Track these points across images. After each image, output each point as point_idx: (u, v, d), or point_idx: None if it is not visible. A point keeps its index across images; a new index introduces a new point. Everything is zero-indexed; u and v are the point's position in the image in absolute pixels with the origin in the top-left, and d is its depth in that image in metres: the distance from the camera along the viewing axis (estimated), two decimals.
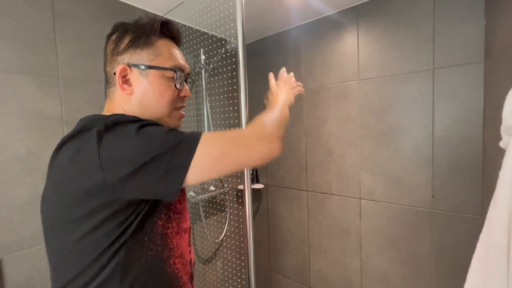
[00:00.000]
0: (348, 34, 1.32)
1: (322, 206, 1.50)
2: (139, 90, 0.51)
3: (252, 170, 1.75)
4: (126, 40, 0.51)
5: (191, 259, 0.58)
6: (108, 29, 0.54)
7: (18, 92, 0.88)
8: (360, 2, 1.26)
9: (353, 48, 1.31)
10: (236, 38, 0.76)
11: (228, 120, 1.62)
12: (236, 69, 0.77)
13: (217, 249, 1.67)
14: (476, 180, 1.03)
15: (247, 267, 0.82)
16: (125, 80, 0.51)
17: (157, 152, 0.41)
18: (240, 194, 1.80)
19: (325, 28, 1.40)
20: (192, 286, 0.59)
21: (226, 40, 1.58)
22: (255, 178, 1.77)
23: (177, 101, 0.56)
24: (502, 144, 0.52)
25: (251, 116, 0.77)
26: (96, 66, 1.06)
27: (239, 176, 1.71)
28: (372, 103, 1.27)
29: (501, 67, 0.83)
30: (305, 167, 1.55)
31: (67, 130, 0.99)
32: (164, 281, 0.50)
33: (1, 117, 0.85)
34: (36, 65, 0.92)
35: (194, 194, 1.46)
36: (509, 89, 0.48)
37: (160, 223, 0.49)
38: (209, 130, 1.49)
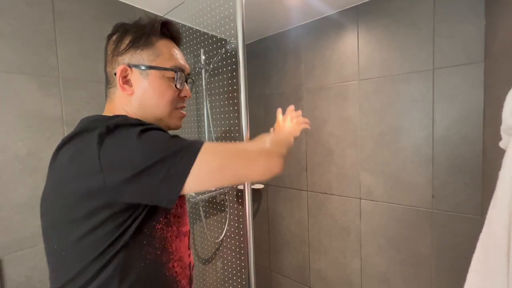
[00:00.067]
0: (348, 34, 1.32)
1: (322, 206, 1.50)
2: (139, 91, 0.52)
3: None
4: (127, 41, 0.51)
5: (190, 262, 0.58)
6: (108, 29, 0.54)
7: (19, 92, 0.88)
8: (360, 2, 1.26)
9: (353, 48, 1.31)
10: (236, 38, 0.76)
11: (228, 120, 1.62)
12: (236, 69, 0.77)
13: (217, 249, 1.67)
14: (476, 180, 1.03)
15: (247, 267, 0.82)
16: (126, 81, 0.51)
17: (157, 158, 0.40)
18: (240, 194, 1.80)
19: (325, 28, 1.40)
20: None
21: (226, 40, 1.58)
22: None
23: (178, 101, 0.56)
24: (502, 144, 0.52)
25: (250, 115, 0.77)
26: (96, 66, 1.06)
27: None
28: (372, 103, 1.27)
29: (501, 67, 0.83)
30: (305, 167, 1.55)
31: (67, 130, 0.99)
32: (162, 285, 0.50)
33: (2, 117, 0.85)
34: (36, 65, 0.92)
35: (194, 194, 1.46)
36: (509, 90, 0.48)
37: (159, 227, 0.49)
38: (209, 130, 1.50)
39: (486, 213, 0.51)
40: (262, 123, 1.77)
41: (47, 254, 0.47)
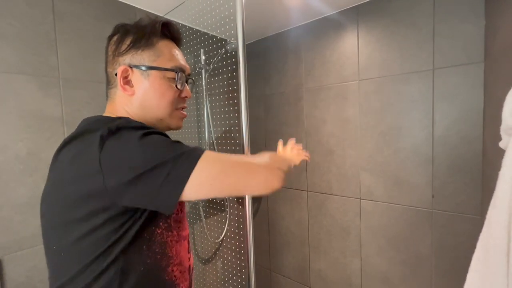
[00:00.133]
0: (348, 34, 1.32)
1: (322, 206, 1.50)
2: (140, 91, 0.52)
3: None
4: (128, 41, 0.51)
5: (190, 265, 0.58)
6: (108, 30, 0.55)
7: (19, 93, 0.88)
8: (360, 2, 1.26)
9: (353, 48, 1.31)
10: (236, 38, 0.76)
11: (228, 120, 1.62)
12: (236, 69, 0.78)
13: (217, 249, 1.67)
14: (476, 180, 1.03)
15: (247, 267, 0.82)
16: (127, 81, 0.52)
17: (157, 162, 0.40)
18: None
19: (325, 28, 1.40)
20: None
21: (226, 40, 1.58)
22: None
23: (178, 102, 0.56)
24: (501, 144, 0.52)
25: (250, 115, 0.77)
26: (96, 67, 1.07)
27: None
28: (372, 103, 1.27)
29: (501, 67, 0.83)
30: (305, 167, 1.55)
31: (67, 131, 0.99)
32: None
33: (2, 117, 0.85)
34: (36, 66, 0.92)
35: None
36: (509, 90, 0.48)
37: (159, 232, 0.48)
38: (209, 130, 1.50)
39: (486, 213, 0.51)
40: (262, 123, 1.77)
41: (47, 254, 0.47)
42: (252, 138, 0.80)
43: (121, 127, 0.43)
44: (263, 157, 0.52)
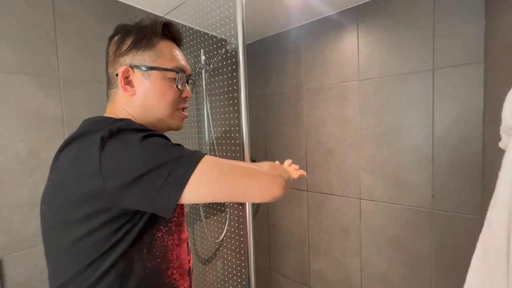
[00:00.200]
0: (348, 35, 1.32)
1: (322, 206, 1.50)
2: (141, 91, 0.52)
3: None
4: (128, 42, 0.52)
5: (190, 267, 0.58)
6: (108, 30, 0.55)
7: (19, 93, 0.88)
8: (360, 2, 1.26)
9: (353, 48, 1.31)
10: (236, 38, 0.76)
11: (228, 120, 1.62)
12: (236, 70, 0.78)
13: (217, 249, 1.67)
14: (476, 180, 1.03)
15: (247, 267, 0.82)
16: (127, 81, 0.52)
17: (157, 164, 0.40)
18: None
19: (325, 28, 1.40)
20: None
21: (226, 40, 1.58)
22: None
23: (179, 102, 0.56)
24: (501, 144, 0.52)
25: (250, 115, 0.77)
26: (97, 67, 1.07)
27: None
28: (372, 103, 1.27)
29: (501, 68, 0.83)
30: (305, 167, 1.55)
31: (67, 131, 0.99)
32: None
33: (2, 117, 0.85)
34: (37, 66, 0.92)
35: None
36: (509, 90, 0.48)
37: (160, 235, 0.48)
38: (209, 130, 1.50)
39: (486, 213, 0.51)
40: (262, 123, 1.77)
41: (46, 255, 0.47)
42: (252, 138, 0.80)
43: (122, 129, 0.43)
44: (264, 165, 0.52)
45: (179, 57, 0.56)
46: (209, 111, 1.48)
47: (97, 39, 1.07)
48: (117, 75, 0.51)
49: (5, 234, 0.85)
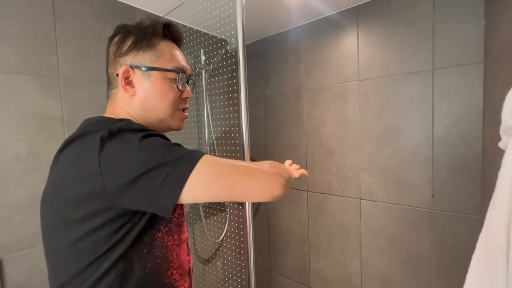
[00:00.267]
0: (348, 35, 1.32)
1: (322, 206, 1.50)
2: (141, 92, 0.52)
3: None
4: (129, 42, 0.52)
5: (190, 268, 0.58)
6: (108, 30, 0.55)
7: (19, 93, 0.88)
8: (360, 3, 1.26)
9: (353, 48, 1.31)
10: (236, 38, 0.76)
11: (228, 120, 1.63)
12: (236, 70, 0.78)
13: (217, 249, 1.67)
14: (476, 180, 1.03)
15: (247, 267, 0.82)
16: (128, 82, 0.52)
17: (156, 164, 0.40)
18: None
19: (325, 28, 1.40)
20: None
21: (226, 40, 1.58)
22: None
23: (179, 102, 0.56)
24: (501, 144, 0.52)
25: (250, 115, 0.77)
26: (97, 67, 1.07)
27: None
28: (372, 103, 1.27)
29: (501, 68, 0.83)
30: (305, 167, 1.55)
31: (67, 131, 0.99)
32: None
33: (2, 117, 0.85)
34: (37, 66, 0.92)
35: None
36: (508, 90, 0.48)
37: (160, 236, 0.48)
38: (209, 130, 1.50)
39: (486, 213, 0.51)
40: (262, 123, 1.77)
41: (46, 255, 0.47)
42: (252, 138, 0.80)
43: (122, 129, 0.43)
44: (264, 163, 0.52)
45: (180, 58, 0.56)
46: (209, 111, 1.48)
47: (97, 39, 1.07)
48: (117, 75, 0.51)
49: (5, 234, 0.86)
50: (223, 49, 1.37)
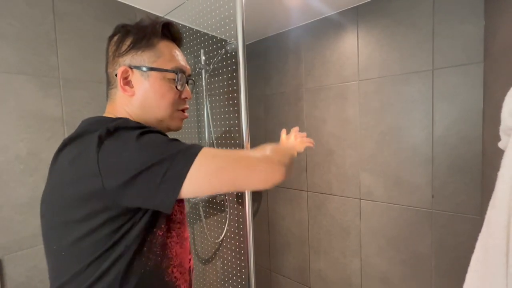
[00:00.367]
0: (348, 35, 1.32)
1: (322, 206, 1.50)
2: (140, 92, 0.52)
3: None
4: (128, 42, 0.51)
5: (190, 266, 0.58)
6: (108, 30, 0.55)
7: (19, 93, 0.88)
8: (360, 3, 1.26)
9: (353, 48, 1.31)
10: (236, 38, 0.76)
11: (228, 120, 1.63)
12: (236, 70, 0.78)
13: (217, 249, 1.67)
14: (476, 180, 1.03)
15: (247, 267, 0.82)
16: (127, 82, 0.51)
17: (155, 161, 0.40)
18: (240, 195, 1.80)
19: (325, 28, 1.40)
20: None
21: (226, 40, 1.58)
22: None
23: (179, 103, 0.56)
24: (501, 144, 0.52)
25: (250, 115, 0.77)
26: (97, 67, 1.07)
27: None
28: (372, 103, 1.27)
29: (501, 68, 0.83)
30: (305, 167, 1.55)
31: (67, 131, 0.99)
32: None
33: (2, 117, 0.85)
34: (37, 66, 0.92)
35: None
36: (508, 90, 0.48)
37: (161, 234, 0.48)
38: (209, 130, 1.50)
39: (485, 213, 0.51)
40: (262, 123, 1.77)
41: (47, 254, 0.47)
42: (252, 138, 0.80)
43: (119, 127, 0.43)
44: (264, 150, 0.51)
45: (179, 58, 0.55)
46: (209, 111, 1.48)
47: (97, 39, 1.07)
48: (116, 75, 0.51)
49: (5, 234, 0.86)
50: (223, 49, 1.37)
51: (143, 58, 0.51)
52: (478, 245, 0.54)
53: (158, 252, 0.48)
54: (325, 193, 1.48)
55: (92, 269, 0.42)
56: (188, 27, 1.43)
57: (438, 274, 1.13)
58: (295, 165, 1.60)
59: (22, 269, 0.89)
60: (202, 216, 1.54)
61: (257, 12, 1.33)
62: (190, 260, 0.58)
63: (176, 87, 0.54)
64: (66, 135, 0.98)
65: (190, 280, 0.59)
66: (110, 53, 0.53)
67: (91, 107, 1.05)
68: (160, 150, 0.42)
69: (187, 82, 0.58)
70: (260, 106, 1.77)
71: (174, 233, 0.51)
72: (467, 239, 1.05)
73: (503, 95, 0.49)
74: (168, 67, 0.53)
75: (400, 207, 1.22)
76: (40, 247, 0.92)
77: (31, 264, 0.90)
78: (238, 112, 0.79)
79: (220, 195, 1.64)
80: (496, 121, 0.54)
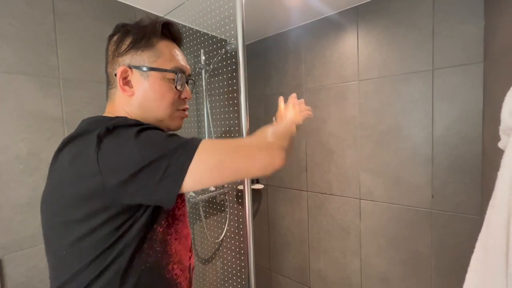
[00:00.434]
0: (348, 35, 1.32)
1: (322, 206, 1.50)
2: (139, 92, 0.51)
3: None
4: (127, 42, 0.51)
5: (190, 264, 0.58)
6: (108, 30, 0.55)
7: (19, 93, 0.88)
8: (360, 3, 1.26)
9: (353, 48, 1.31)
10: (236, 38, 0.76)
11: (228, 120, 1.63)
12: (236, 70, 0.78)
13: (217, 249, 1.67)
14: (475, 180, 1.03)
15: (247, 267, 0.82)
16: (126, 82, 0.51)
17: (155, 157, 0.40)
18: (240, 195, 1.80)
19: (325, 28, 1.40)
20: None
21: (226, 40, 1.58)
22: (255, 179, 1.77)
23: (178, 103, 0.56)
24: (500, 144, 0.52)
25: (250, 115, 0.77)
26: (96, 67, 1.07)
27: None
28: (372, 103, 1.27)
29: (501, 68, 0.83)
30: (305, 167, 1.55)
31: (67, 131, 0.99)
32: (163, 287, 0.50)
33: (2, 117, 0.85)
34: (37, 66, 0.92)
35: (194, 195, 1.46)
36: (508, 90, 0.48)
37: (161, 230, 0.49)
38: (209, 130, 1.50)
39: (485, 213, 0.51)
40: (262, 123, 1.76)
41: (47, 254, 0.47)
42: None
43: (118, 125, 0.43)
44: (263, 135, 0.52)
45: (179, 57, 0.55)
46: (209, 111, 1.48)
47: (97, 39, 1.07)
48: (116, 75, 0.51)
49: (5, 234, 0.86)
50: (223, 49, 1.37)
51: (142, 58, 0.51)
52: (478, 245, 0.54)
53: (158, 248, 0.48)
54: (325, 193, 1.48)
55: (93, 267, 0.43)
56: (188, 27, 1.43)
57: (438, 274, 1.13)
58: (295, 165, 1.60)
59: (22, 269, 0.89)
60: (202, 216, 1.54)
61: (257, 12, 1.33)
62: (190, 257, 0.58)
63: (175, 87, 0.54)
64: (66, 135, 0.98)
65: (190, 278, 0.59)
66: (110, 53, 0.53)
67: (91, 107, 1.05)
68: (160, 146, 0.42)
69: (187, 82, 0.58)
70: (260, 106, 1.77)
71: (172, 230, 0.52)
72: (467, 239, 1.05)
73: (503, 95, 0.49)
74: (168, 67, 0.53)
75: (400, 207, 1.22)
76: (40, 247, 0.92)
77: (31, 264, 0.90)
78: (238, 112, 0.79)
79: (220, 195, 1.64)
80: (496, 121, 0.54)
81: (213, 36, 1.53)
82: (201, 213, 1.54)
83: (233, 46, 1.33)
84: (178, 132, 1.30)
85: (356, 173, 1.35)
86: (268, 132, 0.53)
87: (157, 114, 0.53)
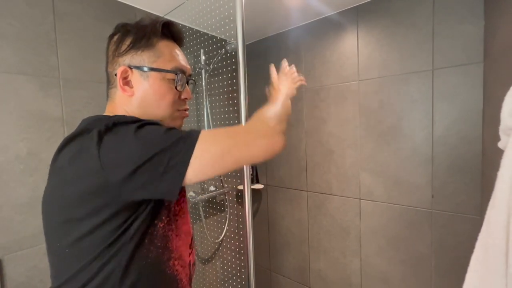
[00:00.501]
0: (348, 35, 1.32)
1: (322, 206, 1.50)
2: (139, 92, 0.51)
3: (252, 170, 1.75)
4: (128, 42, 0.51)
5: (190, 261, 0.58)
6: (108, 30, 0.55)
7: (19, 93, 0.88)
8: (360, 3, 1.26)
9: (353, 48, 1.31)
10: (236, 38, 0.76)
11: (228, 120, 1.63)
12: (236, 70, 0.78)
13: (217, 249, 1.67)
14: (475, 180, 1.03)
15: (247, 267, 0.82)
16: (126, 82, 0.51)
17: (156, 151, 0.41)
18: (240, 195, 1.80)
19: (325, 28, 1.40)
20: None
21: (226, 40, 1.58)
22: (255, 179, 1.77)
23: (179, 103, 0.56)
24: (500, 144, 0.52)
25: (250, 115, 0.77)
26: (96, 67, 1.07)
27: (239, 176, 1.72)
28: (372, 103, 1.27)
29: (501, 68, 0.83)
30: (305, 167, 1.55)
31: (68, 131, 0.99)
32: (164, 283, 0.50)
33: (2, 117, 0.85)
34: (37, 66, 0.92)
35: (194, 194, 1.46)
36: (508, 90, 0.48)
37: (162, 225, 0.49)
38: (209, 129, 1.49)
39: (485, 213, 0.51)
40: None
41: (48, 253, 0.48)
42: None
43: (117, 122, 0.44)
44: (261, 121, 0.53)
45: (179, 57, 0.55)
46: (209, 111, 1.48)
47: (97, 39, 1.07)
48: (116, 75, 0.51)
49: (5, 234, 0.86)
50: (223, 49, 1.37)
51: (142, 58, 0.51)
52: (478, 245, 0.54)
53: (159, 244, 0.48)
54: (325, 193, 1.48)
55: (94, 265, 0.43)
56: (188, 27, 1.43)
57: (438, 274, 1.13)
58: (295, 165, 1.60)
59: (22, 269, 0.89)
60: (202, 216, 1.54)
61: (257, 12, 1.33)
62: (190, 254, 0.58)
63: (175, 87, 0.54)
64: (66, 135, 0.99)
65: (191, 274, 0.59)
66: (110, 53, 0.53)
67: (91, 107, 1.05)
68: (160, 140, 0.42)
69: (187, 82, 0.58)
70: (260, 106, 1.76)
71: (173, 225, 0.52)
72: (467, 239, 1.05)
73: (503, 95, 0.49)
74: (168, 67, 0.52)
75: (400, 207, 1.22)
76: (40, 247, 0.92)
77: (31, 264, 0.90)
78: (238, 112, 0.79)
79: (220, 195, 1.64)
80: (496, 121, 0.54)
81: (213, 36, 1.53)
82: (201, 213, 1.54)
83: (233, 46, 1.33)
84: None
85: (356, 173, 1.35)
86: (266, 116, 0.54)
87: (157, 114, 0.53)
